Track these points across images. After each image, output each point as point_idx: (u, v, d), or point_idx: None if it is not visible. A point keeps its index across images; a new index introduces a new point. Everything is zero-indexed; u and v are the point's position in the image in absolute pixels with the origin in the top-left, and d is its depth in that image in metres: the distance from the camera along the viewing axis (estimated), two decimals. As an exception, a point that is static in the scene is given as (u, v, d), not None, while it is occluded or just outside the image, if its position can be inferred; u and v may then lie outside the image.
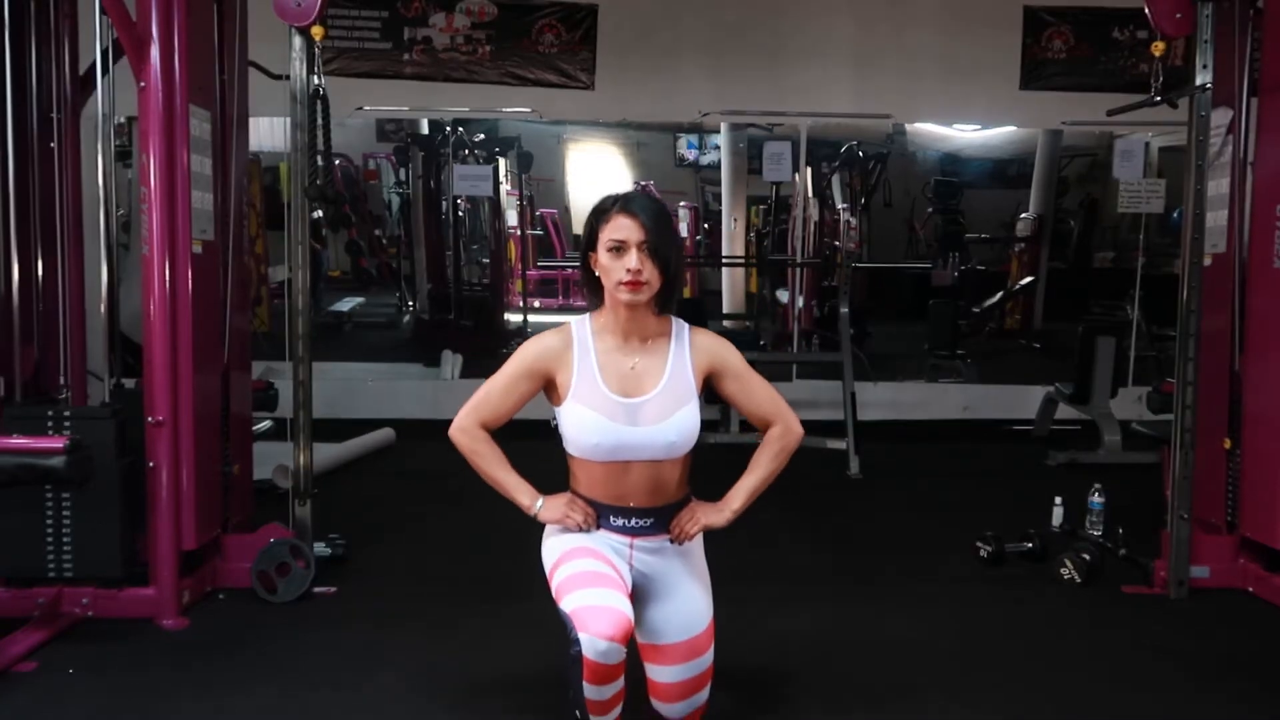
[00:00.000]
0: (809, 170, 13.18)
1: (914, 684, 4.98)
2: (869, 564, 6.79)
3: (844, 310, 9.92)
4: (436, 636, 5.45)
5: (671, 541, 4.10)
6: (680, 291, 4.11)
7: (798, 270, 13.08)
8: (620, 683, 3.78)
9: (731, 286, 14.35)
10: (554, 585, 3.93)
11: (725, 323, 11.60)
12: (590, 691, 3.70)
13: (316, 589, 5.97)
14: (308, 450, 6.07)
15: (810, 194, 13.72)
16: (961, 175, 16.72)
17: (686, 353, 4.03)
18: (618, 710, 3.89)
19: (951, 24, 11.26)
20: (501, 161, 14.49)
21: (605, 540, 4.04)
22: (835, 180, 14.76)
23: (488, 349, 13.00)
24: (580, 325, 4.03)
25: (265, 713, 4.66)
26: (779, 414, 4.23)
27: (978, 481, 9.13)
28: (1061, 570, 6.38)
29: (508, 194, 15.05)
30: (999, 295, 15.69)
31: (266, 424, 8.37)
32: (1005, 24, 11.33)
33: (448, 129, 13.41)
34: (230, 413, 6.19)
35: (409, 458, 9.64)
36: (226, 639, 5.41)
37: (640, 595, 4.09)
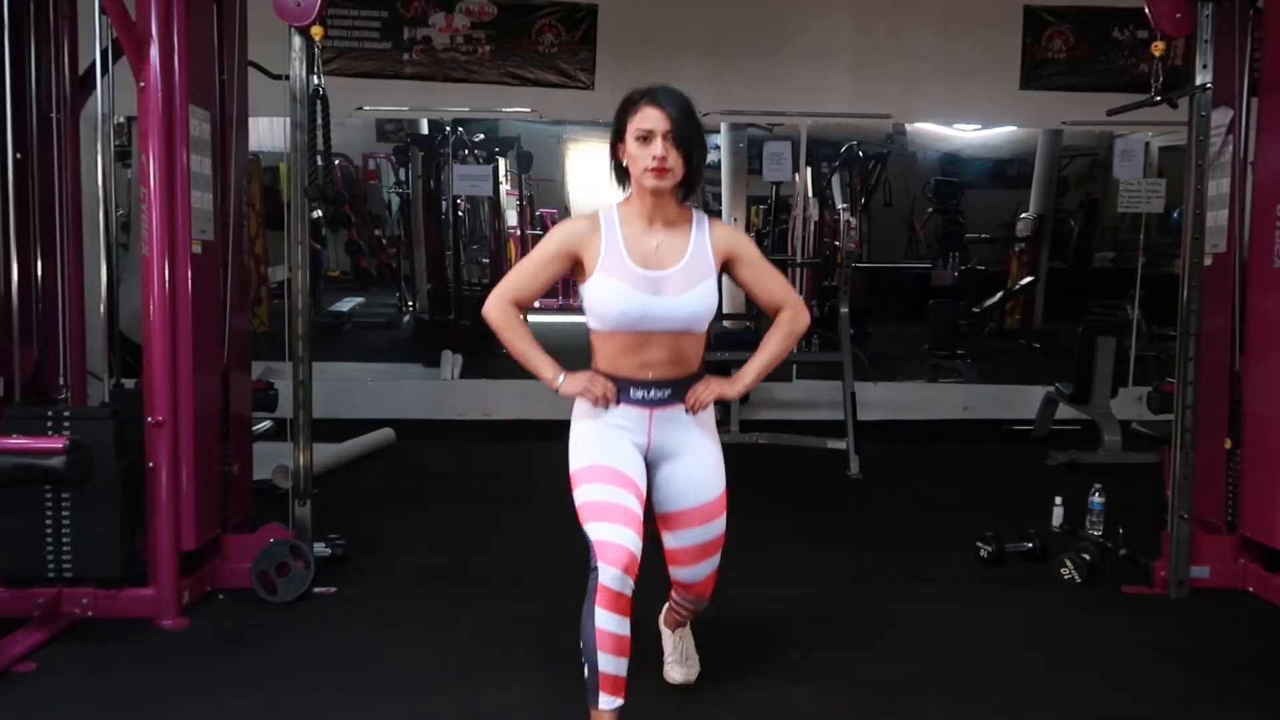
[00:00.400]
0: (809, 170, 13.18)
1: (914, 684, 4.98)
2: (869, 564, 6.78)
3: (844, 310, 9.89)
4: (437, 637, 5.45)
5: (687, 411, 4.31)
6: (701, 181, 4.35)
7: (798, 270, 13.08)
8: (627, 626, 3.97)
9: (731, 286, 14.29)
10: (576, 498, 4.16)
11: (725, 322, 11.60)
12: (603, 620, 3.93)
13: (316, 589, 5.98)
14: (307, 450, 6.08)
15: (810, 194, 13.72)
16: (961, 175, 16.69)
17: (707, 238, 4.27)
18: (624, 664, 4.01)
19: (952, 24, 11.29)
20: (501, 161, 14.51)
21: (624, 417, 4.25)
22: (835, 180, 14.75)
23: (487, 349, 12.97)
24: (608, 211, 4.26)
25: (265, 713, 4.66)
26: (789, 300, 4.46)
27: (978, 481, 9.13)
28: (1062, 570, 6.38)
29: (507, 194, 15.07)
30: (999, 295, 15.68)
31: (266, 424, 8.38)
32: (1005, 24, 11.35)
33: (447, 129, 13.41)
34: (230, 413, 6.19)
35: (409, 458, 9.66)
36: (226, 639, 5.41)
37: (658, 460, 4.35)
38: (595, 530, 4.01)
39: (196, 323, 5.63)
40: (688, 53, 11.05)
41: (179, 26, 5.47)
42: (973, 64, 11.31)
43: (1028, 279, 15.47)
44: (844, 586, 6.35)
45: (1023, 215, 15.75)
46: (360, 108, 11.39)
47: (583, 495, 4.12)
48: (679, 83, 4.21)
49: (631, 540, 3.97)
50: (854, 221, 14.76)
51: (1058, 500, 7.37)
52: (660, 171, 4.07)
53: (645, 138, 4.08)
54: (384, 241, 17.02)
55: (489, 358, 12.61)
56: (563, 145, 17.87)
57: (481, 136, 14.01)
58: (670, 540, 4.44)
